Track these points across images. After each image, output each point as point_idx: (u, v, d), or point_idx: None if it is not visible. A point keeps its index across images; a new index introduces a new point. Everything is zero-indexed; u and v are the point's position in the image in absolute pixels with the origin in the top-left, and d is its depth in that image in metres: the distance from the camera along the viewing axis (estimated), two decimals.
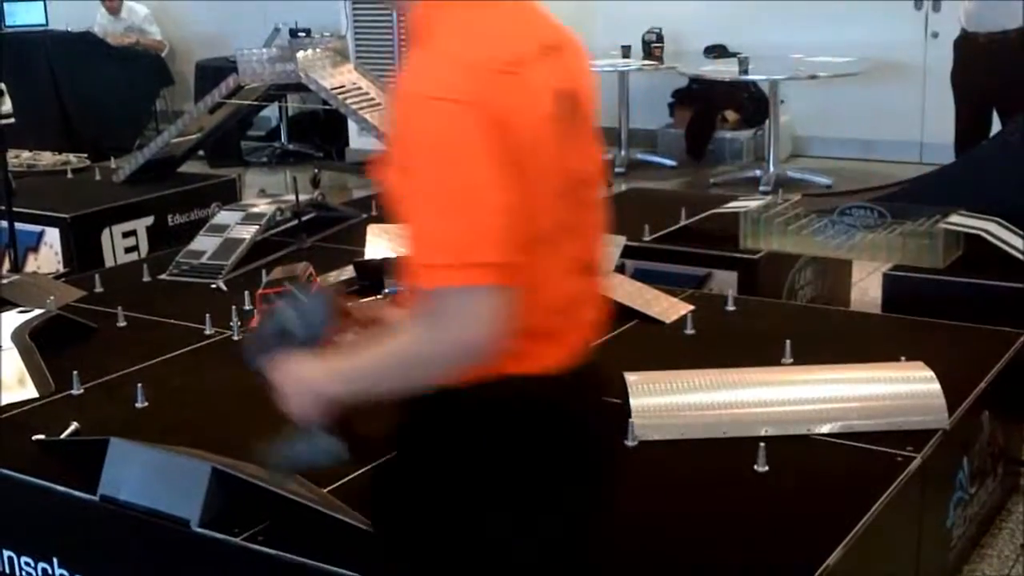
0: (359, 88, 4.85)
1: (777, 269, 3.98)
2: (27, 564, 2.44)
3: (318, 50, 4.87)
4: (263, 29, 8.75)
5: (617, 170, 7.89)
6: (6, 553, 2.47)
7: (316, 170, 4.35)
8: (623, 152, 8.11)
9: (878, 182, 5.77)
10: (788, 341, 2.93)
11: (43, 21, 9.15)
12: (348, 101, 4.75)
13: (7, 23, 9.12)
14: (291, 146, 8.95)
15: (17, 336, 3.02)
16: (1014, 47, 5.78)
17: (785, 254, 3.99)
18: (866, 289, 4.88)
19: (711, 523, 2.20)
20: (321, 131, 8.78)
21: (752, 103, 8.12)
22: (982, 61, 5.90)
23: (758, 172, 7.55)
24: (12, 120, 4.35)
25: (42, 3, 9.16)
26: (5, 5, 9.10)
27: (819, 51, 7.49)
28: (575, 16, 8.54)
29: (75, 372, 2.89)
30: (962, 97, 6.08)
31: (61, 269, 4.69)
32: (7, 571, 2.47)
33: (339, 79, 4.83)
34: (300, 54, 4.76)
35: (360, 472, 2.36)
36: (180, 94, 9.61)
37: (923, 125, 7.52)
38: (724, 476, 2.35)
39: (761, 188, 7.05)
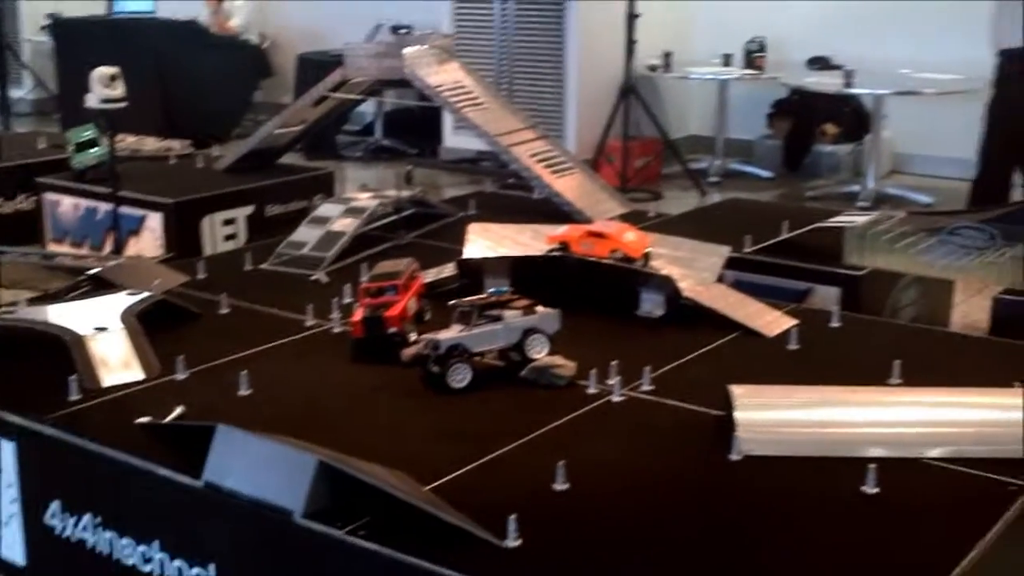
0: (463, 87, 4.85)
1: (880, 287, 3.90)
2: (127, 546, 2.46)
3: (425, 47, 4.89)
4: (364, 25, 8.81)
5: (712, 179, 7.84)
6: (107, 534, 2.50)
7: (410, 167, 4.37)
8: (719, 161, 8.04)
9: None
10: (897, 361, 2.86)
11: (151, 8, 9.32)
12: (452, 99, 4.76)
13: (116, 9, 9.31)
14: (385, 142, 9.01)
15: (126, 317, 3.06)
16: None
17: (888, 272, 3.91)
18: (968, 312, 4.78)
19: (816, 544, 2.15)
20: (416, 128, 8.82)
21: (852, 117, 8.00)
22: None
23: (856, 187, 7.44)
24: (125, 104, 4.42)
25: None
26: None
27: (923, 67, 7.36)
28: (677, 24, 8.57)
29: (179, 357, 2.92)
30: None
31: (162, 254, 4.76)
32: (107, 552, 2.50)
33: (444, 77, 4.84)
34: (407, 50, 4.77)
35: (463, 471, 2.38)
36: (280, 86, 9.72)
37: None
38: (831, 497, 2.30)
39: (859, 203, 6.95)
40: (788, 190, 7.67)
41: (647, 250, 3.49)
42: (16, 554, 2.69)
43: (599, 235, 3.47)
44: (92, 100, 4.42)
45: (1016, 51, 5.91)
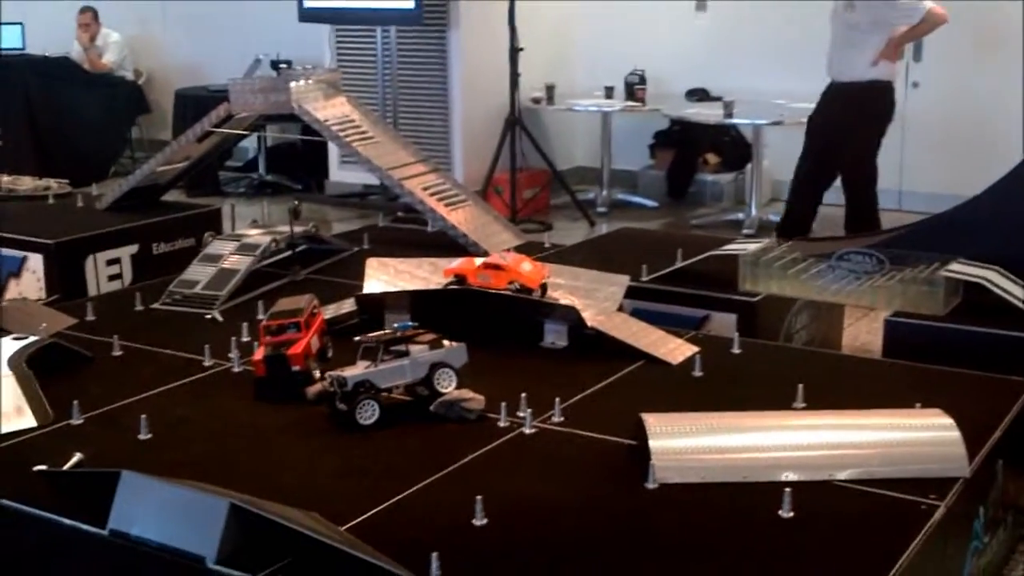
0: (352, 121, 4.80)
1: (774, 312, 3.97)
2: None
3: (311, 81, 4.83)
4: (242, 60, 8.68)
5: (599, 210, 7.90)
6: None
7: (296, 202, 4.30)
8: (604, 192, 8.12)
9: None
10: (800, 385, 2.90)
11: (20, 45, 9.06)
12: (341, 134, 4.70)
13: None
14: (269, 177, 8.89)
15: (14, 363, 2.94)
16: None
17: (782, 297, 3.97)
18: (856, 335, 4.89)
19: (737, 570, 2.15)
20: (300, 163, 8.72)
21: (733, 147, 8.15)
22: None
23: (739, 215, 7.58)
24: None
25: (19, 27, 9.08)
26: None
27: (801, 97, 7.53)
28: (559, 57, 8.63)
29: (75, 402, 2.81)
30: None
31: (44, 295, 4.60)
32: None
33: (332, 111, 4.78)
34: (293, 85, 4.71)
35: (378, 509, 2.33)
36: (157, 122, 9.53)
37: (902, 173, 7.56)
38: (749, 522, 2.31)
39: (744, 231, 7.07)
40: (674, 219, 7.77)
41: (544, 281, 3.49)
42: None
43: (496, 267, 3.46)
44: None
45: (843, 84, 6.12)
